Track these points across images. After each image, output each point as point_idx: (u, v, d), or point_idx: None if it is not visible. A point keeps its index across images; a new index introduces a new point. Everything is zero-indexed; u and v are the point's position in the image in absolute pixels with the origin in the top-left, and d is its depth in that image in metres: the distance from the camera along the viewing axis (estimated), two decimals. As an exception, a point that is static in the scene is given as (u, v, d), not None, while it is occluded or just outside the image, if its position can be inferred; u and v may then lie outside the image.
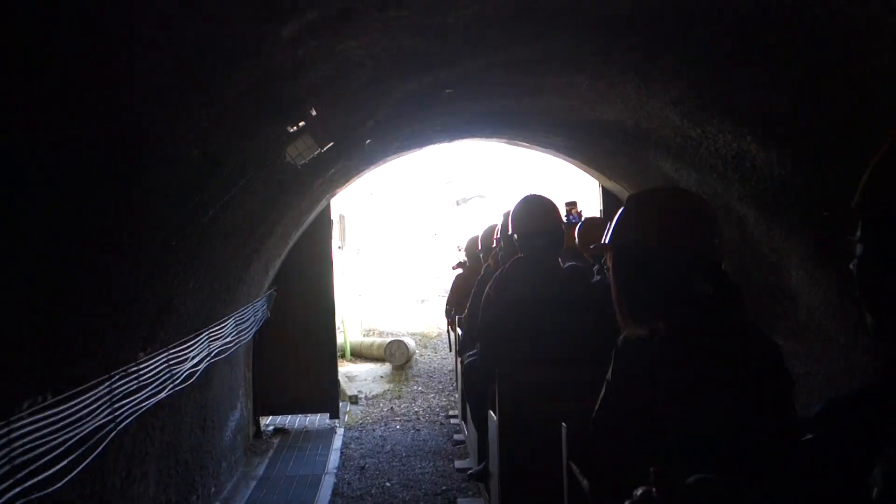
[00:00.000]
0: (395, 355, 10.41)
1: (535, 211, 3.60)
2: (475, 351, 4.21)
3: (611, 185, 6.75)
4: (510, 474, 3.26)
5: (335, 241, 8.08)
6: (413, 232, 22.59)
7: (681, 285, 1.83)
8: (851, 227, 1.16)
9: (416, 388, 9.51)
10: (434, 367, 10.97)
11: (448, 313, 7.74)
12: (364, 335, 13.63)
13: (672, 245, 1.83)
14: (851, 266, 1.17)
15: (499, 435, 3.35)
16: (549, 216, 3.59)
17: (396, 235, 21.39)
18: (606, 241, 1.97)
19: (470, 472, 5.13)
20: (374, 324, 15.36)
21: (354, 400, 8.32)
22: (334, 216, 8.54)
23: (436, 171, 22.37)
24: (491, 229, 6.07)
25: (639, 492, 1.40)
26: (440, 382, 9.81)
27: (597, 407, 2.01)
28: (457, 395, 7.50)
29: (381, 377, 10.13)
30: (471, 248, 7.38)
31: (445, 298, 8.38)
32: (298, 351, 6.89)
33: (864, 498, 0.98)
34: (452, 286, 7.67)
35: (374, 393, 9.09)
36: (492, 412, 3.57)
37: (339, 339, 11.33)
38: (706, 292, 1.85)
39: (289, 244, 6.45)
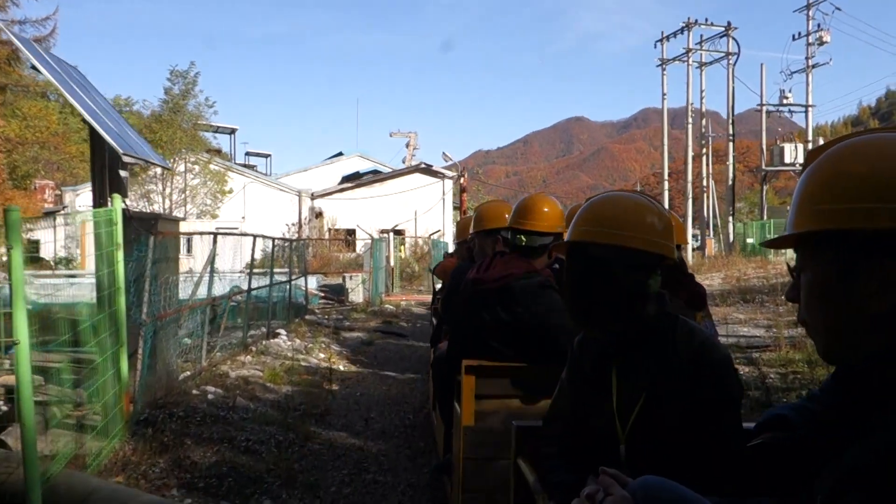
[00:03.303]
0: None
1: (530, 209, 3.40)
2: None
3: None
4: (471, 466, 3.18)
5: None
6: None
7: (636, 288, 1.85)
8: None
9: None
10: None
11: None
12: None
13: (629, 246, 1.84)
14: (789, 297, 1.19)
15: (461, 427, 3.23)
16: (544, 216, 3.37)
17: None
18: (566, 240, 1.97)
19: (434, 464, 4.85)
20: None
21: None
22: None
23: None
24: (467, 220, 5.88)
25: (585, 492, 1.35)
26: None
27: (550, 406, 2.11)
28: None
29: None
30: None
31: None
32: None
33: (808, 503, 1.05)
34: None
35: None
36: (456, 404, 3.45)
37: None
38: (662, 297, 1.92)
39: None
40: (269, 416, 6.33)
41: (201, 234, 8.24)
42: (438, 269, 7.54)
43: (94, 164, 5.85)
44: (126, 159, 6.69)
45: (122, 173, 6.88)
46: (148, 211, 34.61)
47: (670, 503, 1.25)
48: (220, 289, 12.73)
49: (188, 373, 7.79)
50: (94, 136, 5.73)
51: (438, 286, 8.16)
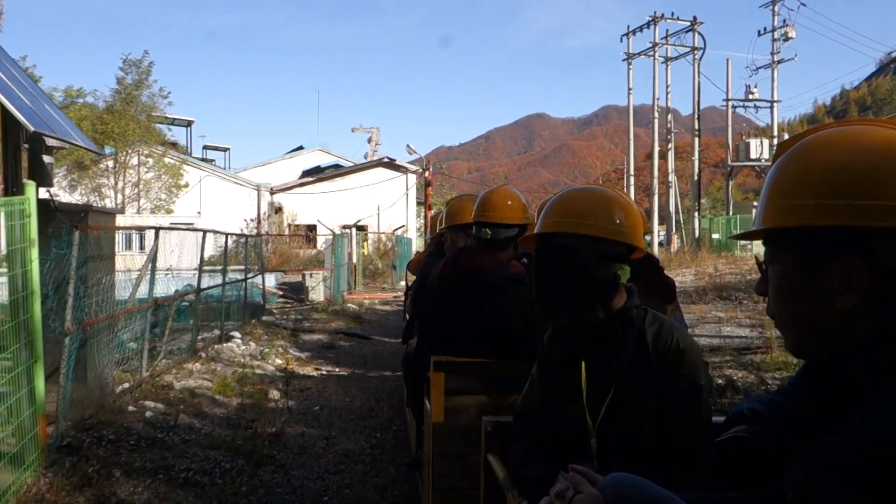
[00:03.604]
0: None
1: (494, 202, 3.33)
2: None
3: None
4: (441, 463, 3.10)
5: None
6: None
7: (605, 279, 1.84)
8: None
9: None
10: None
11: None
12: None
13: (598, 237, 1.84)
14: (759, 291, 1.19)
15: (431, 423, 3.17)
16: (507, 208, 3.31)
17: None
18: (535, 232, 1.97)
19: (407, 461, 4.84)
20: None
21: None
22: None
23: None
24: (437, 215, 6.22)
25: (555, 490, 1.33)
26: None
27: (520, 401, 2.10)
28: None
29: None
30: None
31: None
32: None
33: (780, 499, 1.06)
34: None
35: None
36: (427, 401, 3.40)
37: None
38: (631, 289, 1.92)
39: None
40: (215, 438, 5.52)
41: (140, 228, 7.33)
42: (412, 264, 7.36)
43: (4, 144, 4.96)
44: (50, 142, 5.82)
45: (47, 159, 6.01)
46: (100, 206, 33.17)
47: (640, 501, 1.24)
48: (174, 288, 11.84)
49: (126, 385, 6.94)
50: (4, 112, 4.85)
51: (407, 282, 7.92)
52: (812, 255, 1.05)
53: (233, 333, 11.06)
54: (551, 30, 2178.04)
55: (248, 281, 13.59)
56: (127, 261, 20.96)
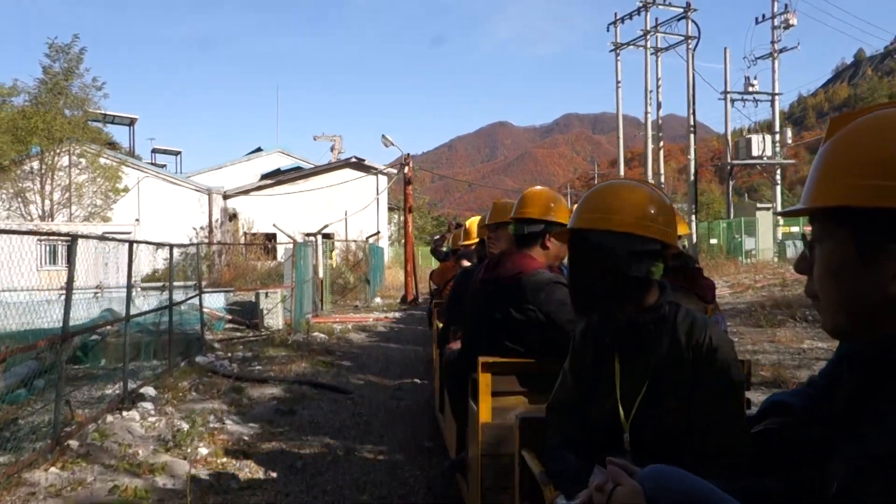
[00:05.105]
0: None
1: (525, 198, 3.40)
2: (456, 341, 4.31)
3: None
4: (489, 463, 3.03)
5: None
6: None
7: (638, 275, 1.81)
8: None
9: None
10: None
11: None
12: None
13: (629, 233, 1.81)
14: (798, 269, 1.14)
15: (479, 424, 3.10)
16: (531, 204, 3.34)
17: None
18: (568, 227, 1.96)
19: (447, 463, 4.68)
20: None
21: None
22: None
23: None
24: (480, 220, 6.08)
25: (594, 483, 1.30)
26: None
27: (552, 395, 2.05)
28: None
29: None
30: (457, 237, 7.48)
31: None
32: None
33: (821, 489, 1.03)
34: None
35: None
36: (472, 402, 3.36)
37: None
38: (664, 285, 1.89)
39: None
40: None
41: None
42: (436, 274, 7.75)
43: None
44: None
45: None
46: (24, 215, 28.92)
47: (680, 492, 1.22)
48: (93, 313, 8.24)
49: None
50: None
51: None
52: (870, 235, 0.99)
53: (144, 390, 7.35)
54: (514, 39, 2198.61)
55: (181, 305, 9.91)
56: (52, 277, 16.96)
